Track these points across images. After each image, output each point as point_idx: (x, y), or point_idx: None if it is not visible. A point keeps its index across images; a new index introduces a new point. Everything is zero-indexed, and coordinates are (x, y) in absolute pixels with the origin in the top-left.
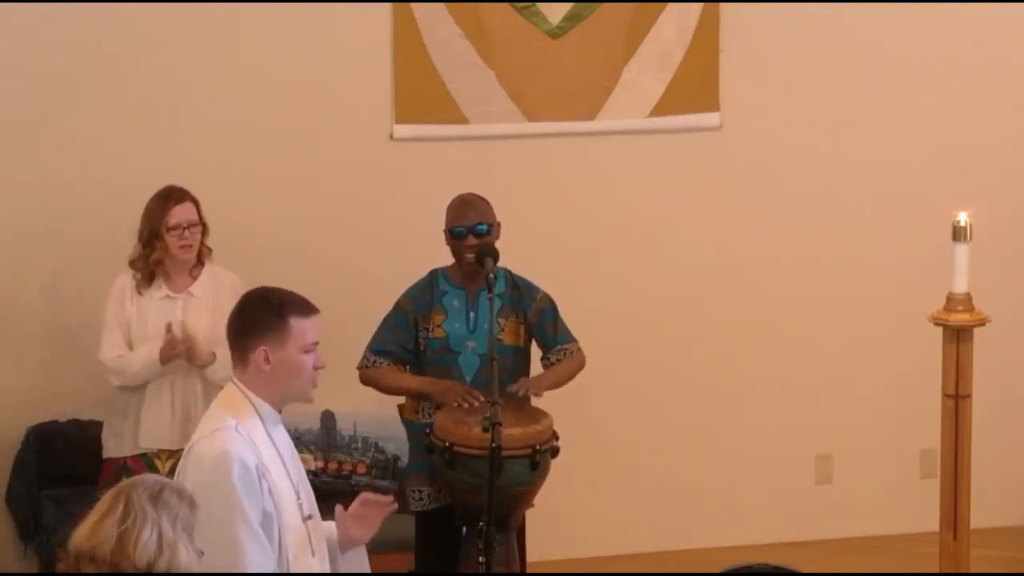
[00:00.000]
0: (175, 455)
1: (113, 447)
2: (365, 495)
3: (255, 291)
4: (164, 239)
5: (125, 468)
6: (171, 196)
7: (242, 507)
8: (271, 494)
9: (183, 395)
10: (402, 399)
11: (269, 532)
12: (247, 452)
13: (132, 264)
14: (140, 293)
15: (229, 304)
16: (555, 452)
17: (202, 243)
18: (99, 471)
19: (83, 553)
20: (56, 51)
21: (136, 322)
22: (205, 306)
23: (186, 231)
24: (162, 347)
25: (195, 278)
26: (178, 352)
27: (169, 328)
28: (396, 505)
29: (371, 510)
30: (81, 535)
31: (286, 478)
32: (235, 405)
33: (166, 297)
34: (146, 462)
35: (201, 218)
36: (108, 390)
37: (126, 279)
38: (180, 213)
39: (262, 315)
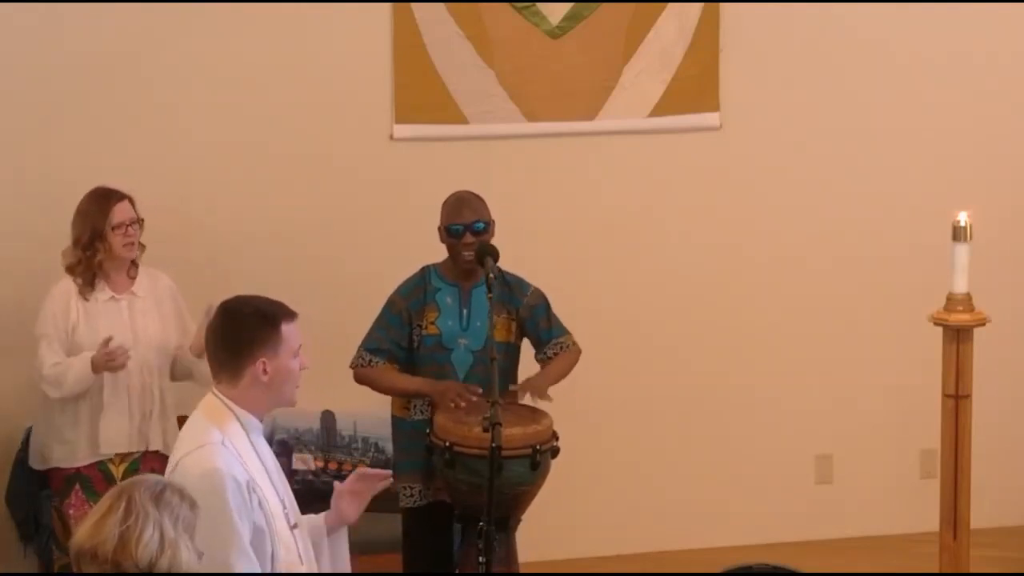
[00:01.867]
0: (128, 457)
1: (61, 457)
2: (362, 470)
3: (237, 303)
4: (108, 239)
5: (79, 475)
6: (110, 196)
7: (234, 526)
8: (261, 508)
9: (140, 397)
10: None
11: (261, 547)
12: (237, 468)
13: (71, 270)
14: (85, 298)
15: (170, 307)
16: (555, 452)
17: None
18: None
19: (84, 552)
20: (55, 51)
21: (84, 327)
22: (149, 306)
23: (129, 228)
24: (95, 357)
25: (133, 278)
26: (118, 364)
27: (107, 341)
28: (392, 480)
29: (365, 485)
30: (82, 534)
31: (272, 489)
32: (218, 416)
33: (111, 299)
34: (101, 468)
35: (138, 214)
36: (45, 398)
37: (68, 285)
38: (122, 211)
39: (257, 327)
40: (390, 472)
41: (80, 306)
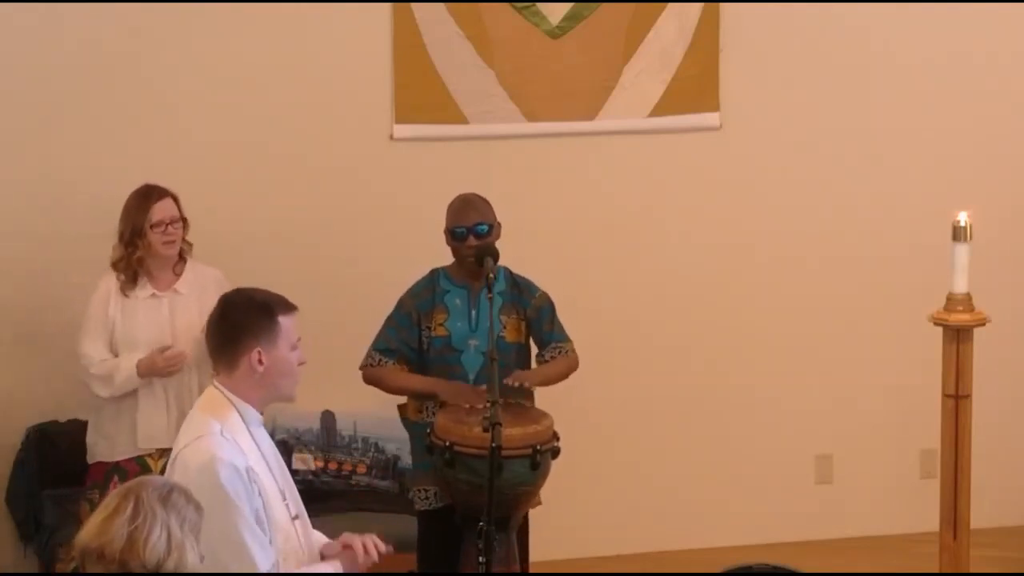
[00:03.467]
0: (167, 453)
1: (103, 451)
2: (348, 540)
3: (236, 294)
4: (147, 237)
5: (118, 468)
6: (151, 193)
7: (237, 505)
8: (260, 496)
9: (177, 392)
10: (402, 400)
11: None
12: (235, 455)
13: (115, 266)
14: (125, 295)
15: (214, 300)
16: (555, 452)
17: (183, 238)
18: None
19: (91, 551)
20: (55, 51)
21: (122, 324)
22: (191, 303)
23: (169, 227)
24: (141, 361)
25: (178, 275)
26: (174, 370)
27: (164, 349)
28: (378, 556)
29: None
30: (89, 533)
31: (272, 480)
32: (217, 409)
33: (152, 296)
34: (139, 462)
35: (181, 213)
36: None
37: (110, 281)
38: (162, 209)
39: (252, 317)
40: (378, 551)
41: (120, 302)
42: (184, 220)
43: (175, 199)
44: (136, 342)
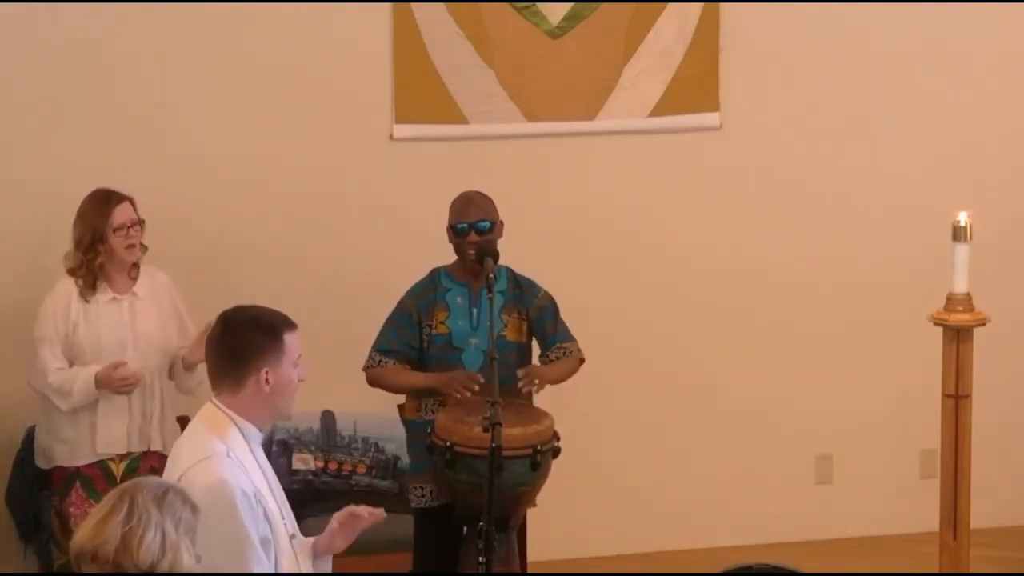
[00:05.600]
0: (128, 456)
1: (63, 456)
2: (354, 509)
3: (238, 313)
4: (109, 241)
5: (79, 474)
6: (110, 198)
7: (248, 534)
8: (267, 519)
9: (141, 398)
10: (402, 400)
11: (267, 558)
12: (243, 479)
13: (72, 272)
14: (86, 300)
15: (168, 305)
16: (556, 452)
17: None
18: None
19: (85, 552)
20: (55, 51)
21: (85, 328)
22: (149, 307)
23: (130, 230)
24: (99, 374)
25: (134, 279)
26: (128, 390)
27: (116, 365)
28: (384, 515)
29: (356, 521)
30: (83, 535)
31: (273, 500)
32: (219, 427)
33: (112, 300)
34: (100, 466)
35: (139, 216)
36: (44, 397)
37: (69, 287)
38: (122, 213)
39: (259, 336)
40: (383, 510)
41: (80, 307)
42: (142, 222)
43: (132, 202)
44: (100, 345)
